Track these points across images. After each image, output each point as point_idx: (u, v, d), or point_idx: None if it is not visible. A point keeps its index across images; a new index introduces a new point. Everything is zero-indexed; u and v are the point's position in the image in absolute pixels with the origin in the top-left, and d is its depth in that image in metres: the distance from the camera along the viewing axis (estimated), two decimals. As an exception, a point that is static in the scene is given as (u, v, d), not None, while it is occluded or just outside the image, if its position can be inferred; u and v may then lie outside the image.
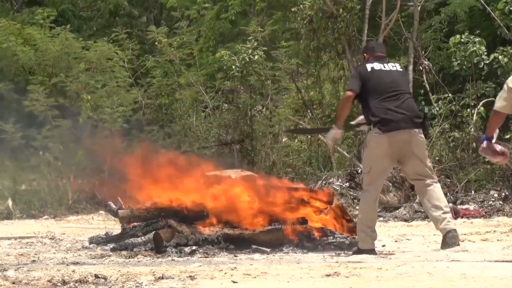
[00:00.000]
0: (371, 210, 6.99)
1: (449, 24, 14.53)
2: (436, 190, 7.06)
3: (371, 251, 6.90)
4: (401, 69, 7.29)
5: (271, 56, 14.85)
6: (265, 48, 14.33)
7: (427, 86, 13.72)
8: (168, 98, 15.16)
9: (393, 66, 7.20)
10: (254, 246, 7.21)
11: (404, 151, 6.96)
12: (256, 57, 13.99)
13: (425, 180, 7.04)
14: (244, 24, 16.15)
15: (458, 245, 6.97)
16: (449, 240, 6.94)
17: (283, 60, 14.41)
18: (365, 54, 7.34)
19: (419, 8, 13.72)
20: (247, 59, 14.00)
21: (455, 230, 6.98)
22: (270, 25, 15.89)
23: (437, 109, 13.20)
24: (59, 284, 5.11)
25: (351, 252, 7.06)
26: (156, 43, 15.22)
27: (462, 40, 13.14)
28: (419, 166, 7.02)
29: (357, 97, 7.08)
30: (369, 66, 7.08)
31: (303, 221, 7.54)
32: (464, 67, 13.21)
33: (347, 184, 12.39)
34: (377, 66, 7.09)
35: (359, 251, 6.92)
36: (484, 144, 6.24)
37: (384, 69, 7.10)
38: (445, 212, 6.98)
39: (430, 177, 7.06)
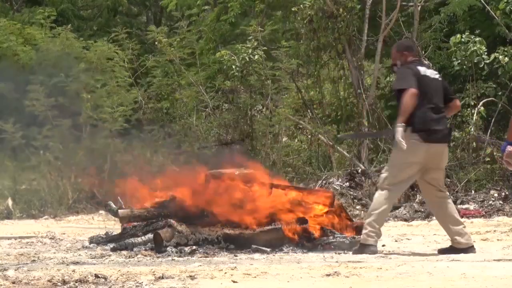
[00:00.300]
0: (386, 209, 7.00)
1: (450, 23, 14.51)
2: (452, 204, 7.16)
3: (374, 248, 6.91)
4: (440, 78, 7.22)
5: (271, 56, 14.85)
6: (265, 48, 14.33)
7: (427, 86, 13.70)
8: (168, 98, 15.17)
9: (435, 74, 7.18)
10: (254, 246, 7.21)
11: (434, 163, 7.00)
12: (256, 57, 13.99)
13: (440, 190, 7.07)
14: (244, 25, 16.14)
15: None
16: (467, 253, 6.96)
17: (283, 60, 14.41)
18: (405, 53, 7.21)
19: (419, 8, 13.72)
20: (247, 59, 14.00)
21: (474, 247, 7.03)
22: (270, 25, 15.89)
23: (437, 109, 13.19)
24: (59, 284, 5.12)
25: (353, 250, 7.07)
26: (156, 43, 15.21)
27: (463, 39, 13.12)
28: (439, 175, 7.10)
29: (397, 95, 7.02)
30: (421, 70, 7.03)
31: (303, 221, 7.54)
32: (464, 66, 13.20)
33: (347, 184, 12.39)
34: (425, 71, 7.05)
35: (362, 247, 6.93)
36: (510, 148, 6.19)
37: (429, 76, 7.06)
38: (464, 226, 7.08)
39: (443, 186, 7.13)
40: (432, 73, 7.14)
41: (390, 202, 7.05)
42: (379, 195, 7.03)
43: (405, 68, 7.12)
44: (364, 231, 6.97)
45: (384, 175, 7.10)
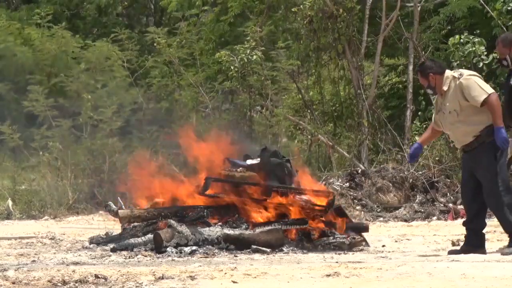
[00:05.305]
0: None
1: (449, 23, 14.51)
2: None
3: None
4: None
5: (270, 57, 14.85)
6: (263, 48, 14.32)
7: (427, 86, 13.69)
8: (167, 98, 15.16)
9: None
10: (254, 246, 7.22)
11: None
12: (255, 57, 13.99)
13: None
14: (244, 27, 16.13)
15: None
16: None
17: (282, 61, 14.40)
18: None
19: (419, 8, 13.72)
20: (246, 60, 14.00)
21: None
22: (268, 25, 15.87)
23: (437, 109, 13.19)
24: (59, 284, 5.12)
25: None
26: (155, 44, 15.19)
27: (462, 40, 13.09)
28: None
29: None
30: None
31: (303, 221, 7.54)
32: (463, 67, 13.17)
33: (347, 184, 12.38)
34: None
35: None
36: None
37: None
38: None
39: None
40: None
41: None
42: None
43: None
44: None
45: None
